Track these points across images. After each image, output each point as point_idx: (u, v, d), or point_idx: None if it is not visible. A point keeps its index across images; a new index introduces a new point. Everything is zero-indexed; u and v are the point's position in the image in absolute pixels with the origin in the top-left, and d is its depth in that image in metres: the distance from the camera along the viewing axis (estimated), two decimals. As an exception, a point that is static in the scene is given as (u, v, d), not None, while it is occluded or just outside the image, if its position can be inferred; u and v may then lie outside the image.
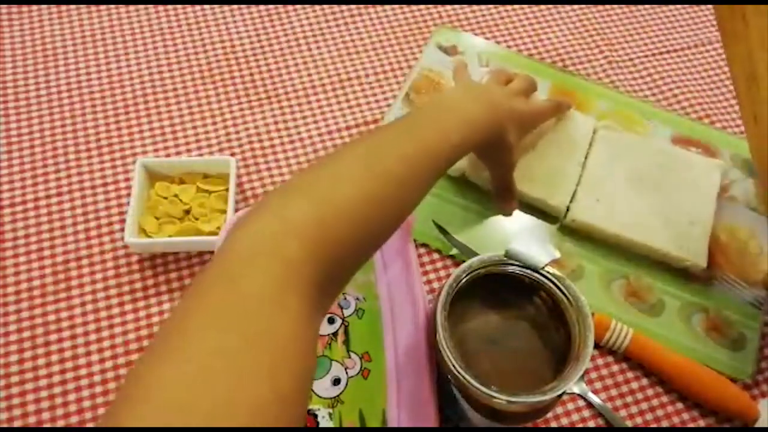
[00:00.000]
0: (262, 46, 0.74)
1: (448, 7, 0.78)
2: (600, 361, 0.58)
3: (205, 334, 0.29)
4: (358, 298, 0.53)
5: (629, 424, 0.55)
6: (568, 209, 0.62)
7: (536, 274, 0.46)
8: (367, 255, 0.40)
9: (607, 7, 0.80)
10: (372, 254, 0.41)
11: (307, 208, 0.35)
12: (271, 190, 0.38)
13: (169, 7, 0.76)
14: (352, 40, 0.75)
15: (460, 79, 0.62)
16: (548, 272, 0.46)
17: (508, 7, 0.79)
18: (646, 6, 0.80)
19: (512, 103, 0.55)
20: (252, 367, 0.28)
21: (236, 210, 0.60)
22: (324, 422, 0.49)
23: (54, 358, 0.56)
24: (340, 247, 0.36)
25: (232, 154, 0.67)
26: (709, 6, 0.81)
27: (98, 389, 0.55)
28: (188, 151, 0.67)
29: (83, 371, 0.55)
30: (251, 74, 0.72)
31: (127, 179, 0.65)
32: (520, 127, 0.56)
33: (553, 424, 0.55)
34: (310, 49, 0.74)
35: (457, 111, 0.49)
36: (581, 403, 0.56)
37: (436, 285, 0.61)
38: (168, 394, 0.26)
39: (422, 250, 0.62)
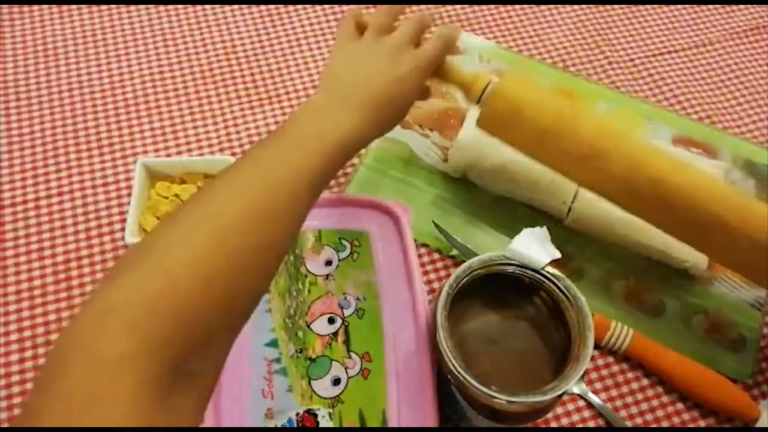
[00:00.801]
0: (262, 46, 0.74)
1: (449, 7, 0.78)
2: (600, 362, 0.58)
3: None
4: (358, 298, 0.53)
5: (629, 424, 0.55)
6: (569, 210, 0.62)
7: (536, 274, 0.46)
8: (235, 315, 0.35)
9: (608, 7, 0.80)
10: (249, 307, 0.36)
11: (136, 287, 0.30)
12: (102, 276, 0.33)
13: (170, 7, 0.76)
14: (353, 40, 0.75)
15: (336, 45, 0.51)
16: (548, 272, 0.45)
17: (509, 7, 0.79)
18: (647, 6, 0.80)
19: (389, 76, 0.46)
20: None
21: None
22: (324, 422, 0.49)
23: (54, 357, 0.56)
24: (185, 325, 0.31)
25: (233, 154, 0.67)
26: (710, 6, 0.81)
27: (98, 389, 0.54)
28: (189, 150, 0.67)
29: (83, 371, 0.55)
30: (252, 74, 0.72)
31: (127, 179, 0.65)
32: (412, 87, 0.48)
33: (553, 424, 0.55)
34: (310, 49, 0.74)
35: (318, 121, 0.42)
36: (581, 403, 0.56)
37: (436, 285, 0.61)
38: None
39: (422, 250, 0.62)
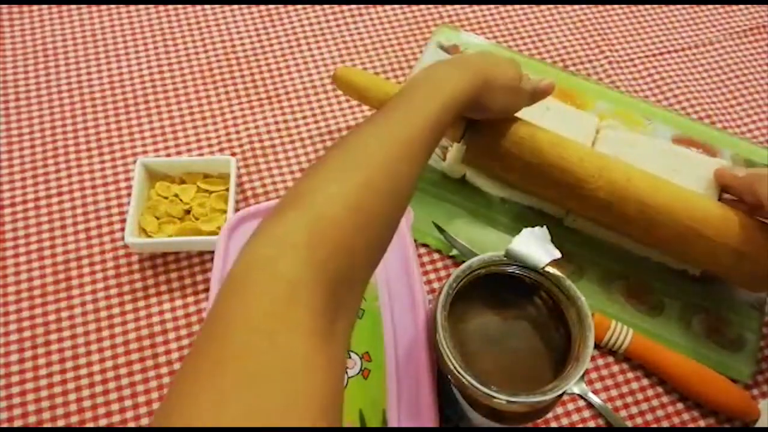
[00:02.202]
0: (262, 46, 0.74)
1: (449, 6, 0.78)
2: (600, 362, 0.58)
3: (219, 372, 0.28)
4: (358, 298, 0.53)
5: (629, 424, 0.55)
6: (569, 210, 0.62)
7: (536, 274, 0.46)
8: (374, 254, 0.38)
9: (608, 7, 0.80)
10: (381, 252, 0.39)
11: (300, 221, 0.34)
12: (267, 212, 0.36)
13: (170, 7, 0.76)
14: (353, 40, 0.75)
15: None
16: (548, 272, 0.45)
17: (509, 6, 0.79)
18: (647, 6, 0.80)
19: (497, 69, 0.52)
20: (264, 414, 0.27)
21: (236, 210, 0.60)
22: (324, 422, 0.49)
23: (54, 357, 0.56)
24: (341, 253, 0.34)
25: (233, 154, 0.67)
26: (710, 6, 0.81)
27: (98, 389, 0.55)
28: (188, 150, 0.67)
29: (83, 371, 0.55)
30: (251, 74, 0.72)
31: (127, 179, 0.65)
32: (505, 92, 0.53)
33: (553, 424, 0.55)
34: (310, 49, 0.74)
35: (429, 84, 0.46)
36: (581, 403, 0.56)
37: (436, 285, 0.61)
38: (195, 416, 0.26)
39: (422, 250, 0.62)
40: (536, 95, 0.57)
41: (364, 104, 0.66)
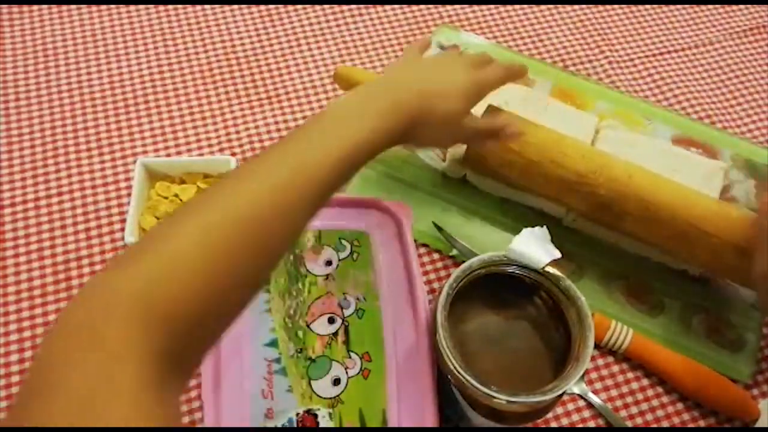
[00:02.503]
0: (262, 46, 0.74)
1: (449, 6, 0.78)
2: (600, 362, 0.58)
3: None
4: (358, 298, 0.53)
5: (629, 424, 0.55)
6: (569, 209, 0.62)
7: (536, 274, 0.46)
8: (225, 315, 0.35)
9: (608, 7, 0.80)
10: (235, 311, 0.35)
11: (136, 280, 0.31)
12: (101, 267, 0.33)
13: (170, 7, 0.76)
14: (353, 40, 0.75)
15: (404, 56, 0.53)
16: (548, 272, 0.45)
17: (509, 6, 0.79)
18: (647, 6, 0.80)
19: (433, 105, 0.46)
20: None
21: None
22: (324, 422, 0.49)
23: (54, 357, 0.56)
24: (180, 318, 0.31)
25: (233, 154, 0.67)
26: (709, 6, 0.81)
27: (98, 389, 0.54)
28: (188, 150, 0.67)
29: (83, 371, 0.55)
30: (251, 74, 0.72)
31: (127, 179, 0.65)
32: (453, 104, 0.48)
33: (553, 424, 0.55)
34: (309, 49, 0.74)
35: (344, 120, 0.41)
36: (581, 403, 0.56)
37: (436, 285, 0.61)
38: None
39: (422, 250, 0.62)
40: (480, 134, 0.52)
41: None
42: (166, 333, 0.30)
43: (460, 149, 0.63)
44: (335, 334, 0.52)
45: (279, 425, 0.49)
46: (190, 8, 0.76)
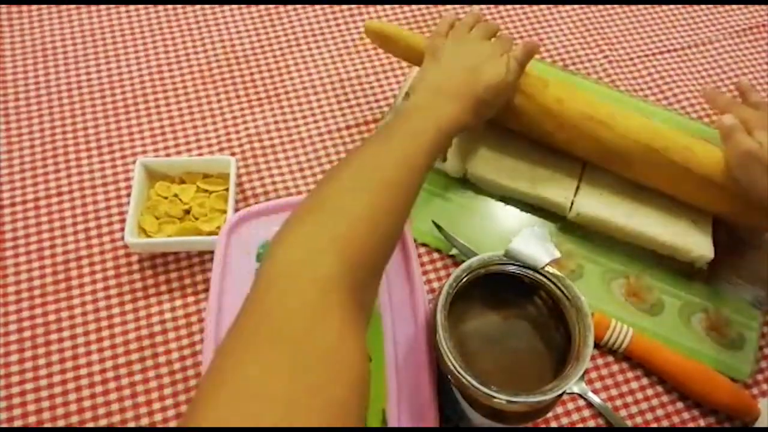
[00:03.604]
0: (262, 46, 0.74)
1: (449, 6, 0.78)
2: (600, 361, 0.58)
3: (257, 358, 0.31)
4: (358, 298, 0.53)
5: (629, 423, 0.55)
6: (572, 204, 0.62)
7: (536, 274, 0.46)
8: (386, 257, 0.42)
9: (607, 6, 0.80)
10: (389, 256, 0.43)
11: (323, 228, 0.38)
12: (288, 218, 0.39)
13: (169, 6, 0.76)
14: (353, 40, 0.75)
15: (432, 43, 0.60)
16: (548, 272, 0.45)
17: (509, 6, 0.79)
18: (646, 5, 0.80)
19: (483, 81, 0.54)
20: (305, 386, 0.30)
21: (236, 210, 0.60)
22: (324, 422, 0.49)
23: (54, 357, 0.56)
24: (365, 255, 0.38)
25: (232, 154, 0.67)
26: (708, 5, 0.81)
27: (98, 389, 0.55)
28: (188, 150, 0.67)
29: (83, 371, 0.55)
30: (251, 74, 0.72)
31: (127, 179, 0.65)
32: (498, 94, 0.56)
33: (553, 424, 0.55)
34: (309, 49, 0.74)
35: (427, 111, 0.51)
36: (581, 402, 0.56)
37: (436, 285, 0.61)
38: (225, 413, 0.28)
39: (422, 250, 0.62)
40: (523, 63, 0.58)
41: (391, 53, 0.68)
42: (356, 277, 0.37)
43: (458, 147, 0.63)
44: (335, 333, 0.52)
45: (279, 425, 0.49)
46: (189, 8, 0.76)
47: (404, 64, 0.74)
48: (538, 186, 0.62)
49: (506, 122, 0.62)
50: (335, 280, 0.35)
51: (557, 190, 0.62)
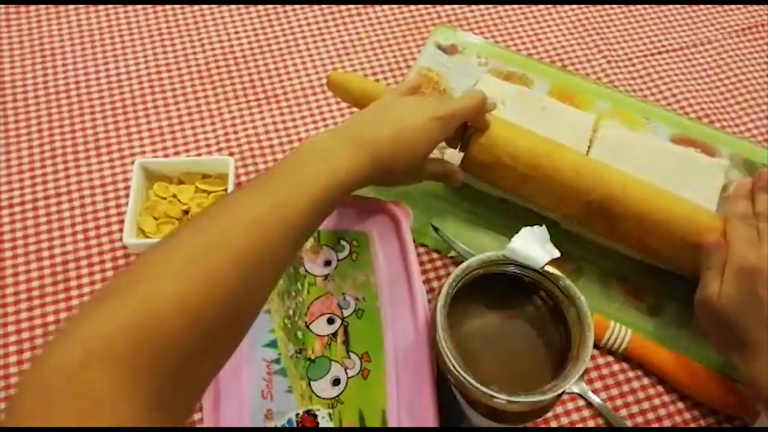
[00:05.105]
0: (261, 46, 0.74)
1: (447, 6, 0.78)
2: (600, 361, 0.58)
3: None
4: (357, 299, 0.53)
5: (629, 423, 0.55)
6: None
7: (536, 274, 0.46)
8: (215, 354, 0.34)
9: (606, 6, 0.80)
10: (228, 349, 0.35)
11: (120, 317, 0.30)
12: (85, 301, 0.32)
13: (168, 7, 0.76)
14: (351, 40, 0.75)
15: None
16: (548, 272, 0.45)
17: (507, 6, 0.79)
18: (645, 5, 0.80)
19: (401, 122, 0.48)
20: None
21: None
22: (324, 423, 0.49)
23: (53, 359, 0.55)
24: (166, 357, 0.30)
25: (231, 154, 0.67)
26: (708, 5, 0.81)
27: (97, 390, 0.54)
28: (187, 151, 0.67)
29: (82, 372, 0.55)
30: (250, 74, 0.72)
31: (125, 179, 0.65)
32: (422, 137, 0.50)
33: (553, 424, 0.55)
34: (308, 49, 0.74)
35: (320, 159, 0.43)
36: (581, 402, 0.56)
37: (435, 285, 0.60)
38: None
39: (422, 250, 0.62)
40: (435, 177, 0.56)
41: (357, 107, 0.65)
42: (155, 375, 0.29)
43: (457, 156, 0.63)
44: (334, 334, 0.52)
45: (279, 426, 0.49)
46: (188, 8, 0.76)
47: (403, 63, 0.74)
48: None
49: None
50: (114, 392, 0.28)
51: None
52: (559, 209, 0.60)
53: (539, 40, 0.77)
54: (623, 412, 0.56)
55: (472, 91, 0.55)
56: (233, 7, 0.77)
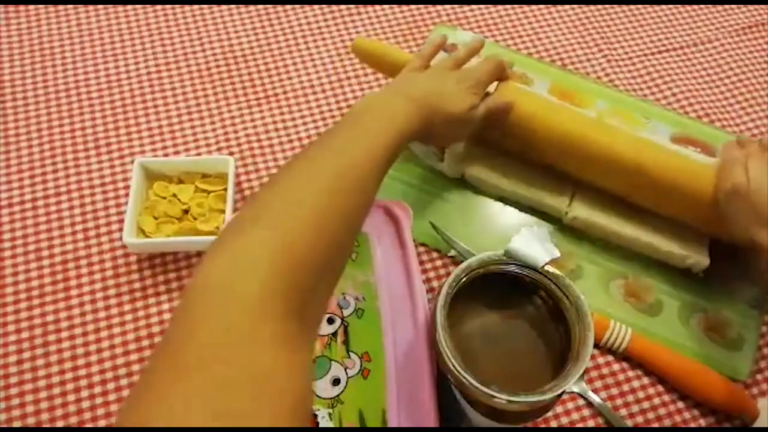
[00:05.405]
0: (260, 46, 0.74)
1: (447, 6, 0.78)
2: (600, 360, 0.58)
3: (184, 379, 0.28)
4: (357, 298, 0.53)
5: (629, 423, 0.55)
6: (568, 208, 0.61)
7: (536, 274, 0.46)
8: (335, 265, 0.40)
9: (606, 6, 0.80)
10: (337, 272, 0.40)
11: (262, 238, 0.35)
12: (226, 225, 0.38)
13: (167, 6, 0.76)
14: (351, 40, 0.75)
15: (414, 60, 0.60)
16: (548, 271, 0.45)
17: (507, 5, 0.79)
18: (645, 5, 0.80)
19: (443, 102, 0.54)
20: (231, 417, 0.28)
21: (235, 209, 0.60)
22: (324, 422, 0.49)
23: (53, 358, 0.56)
24: (307, 265, 0.35)
25: (231, 154, 0.67)
26: (708, 5, 0.81)
27: (97, 389, 0.54)
28: (187, 150, 0.67)
29: (82, 372, 0.55)
30: (250, 74, 0.72)
31: (125, 179, 0.64)
32: (450, 126, 0.55)
33: (553, 424, 0.55)
34: (307, 49, 0.74)
35: (380, 111, 0.48)
36: (581, 402, 0.56)
37: (435, 285, 0.60)
38: None
39: (422, 250, 0.62)
40: (489, 116, 0.58)
41: (379, 72, 0.68)
42: (296, 291, 0.34)
43: (458, 148, 0.63)
44: (334, 334, 0.52)
45: (278, 425, 0.48)
46: (187, 8, 0.76)
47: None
48: (535, 189, 0.62)
49: (498, 144, 0.63)
50: (267, 298, 0.32)
51: (554, 194, 0.62)
52: (561, 164, 0.61)
53: (539, 39, 0.77)
54: (623, 412, 0.56)
55: (488, 57, 0.60)
56: (233, 6, 0.77)
